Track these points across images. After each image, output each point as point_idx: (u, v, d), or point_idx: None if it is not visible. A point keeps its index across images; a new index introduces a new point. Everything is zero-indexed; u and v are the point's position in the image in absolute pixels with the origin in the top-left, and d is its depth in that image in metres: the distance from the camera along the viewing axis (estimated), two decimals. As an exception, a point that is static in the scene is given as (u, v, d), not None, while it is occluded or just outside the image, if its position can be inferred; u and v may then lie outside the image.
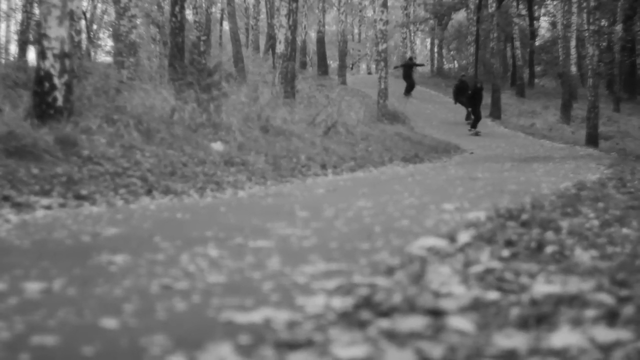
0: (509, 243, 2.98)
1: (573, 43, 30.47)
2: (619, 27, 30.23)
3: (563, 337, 1.60)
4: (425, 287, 2.16)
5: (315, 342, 1.61)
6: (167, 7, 23.02)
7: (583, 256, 2.70)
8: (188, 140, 8.65)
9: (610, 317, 1.78)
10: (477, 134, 20.81)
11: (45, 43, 7.40)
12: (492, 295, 2.04)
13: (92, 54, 33.95)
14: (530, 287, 2.13)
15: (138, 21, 12.78)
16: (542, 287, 2.10)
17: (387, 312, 1.86)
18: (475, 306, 1.93)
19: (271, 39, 32.41)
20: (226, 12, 35.36)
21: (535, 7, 38.76)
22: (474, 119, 21.44)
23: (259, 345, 1.61)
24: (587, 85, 20.99)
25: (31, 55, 28.35)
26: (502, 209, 4.21)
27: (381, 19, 20.69)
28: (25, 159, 6.06)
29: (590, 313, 1.80)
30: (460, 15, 40.92)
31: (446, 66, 46.97)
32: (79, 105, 8.01)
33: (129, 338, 1.68)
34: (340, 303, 1.98)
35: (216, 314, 1.92)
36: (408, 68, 28.68)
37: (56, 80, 7.38)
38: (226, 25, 39.01)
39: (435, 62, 43.93)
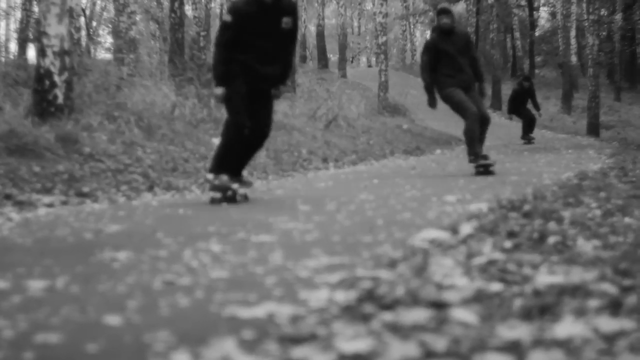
0: (511, 234, 2.98)
1: (573, 33, 30.40)
2: (618, 16, 30.15)
3: (567, 327, 1.60)
4: (428, 279, 2.16)
5: (319, 336, 1.61)
6: (166, 3, 23.00)
7: (585, 246, 2.70)
8: (189, 136, 8.65)
9: (614, 307, 1.78)
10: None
11: (45, 41, 7.39)
12: (495, 286, 2.04)
13: (92, 51, 33.92)
14: (533, 278, 2.13)
15: (137, 17, 12.78)
16: (545, 278, 2.10)
17: (390, 305, 1.86)
18: (478, 298, 1.93)
19: (271, 33, 32.33)
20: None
21: (535, -3, 38.68)
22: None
23: (262, 340, 1.61)
24: (588, 75, 20.95)
25: (31, 53, 28.32)
26: (504, 200, 4.20)
27: (381, 12, 20.66)
28: (27, 157, 6.06)
29: (593, 303, 1.80)
30: (459, 7, 40.79)
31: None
32: (80, 103, 8.01)
33: (132, 335, 1.68)
34: (344, 297, 1.98)
35: (219, 309, 1.92)
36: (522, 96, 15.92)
37: (56, 78, 7.37)
38: (225, 20, 38.88)
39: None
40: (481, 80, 7.85)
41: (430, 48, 7.82)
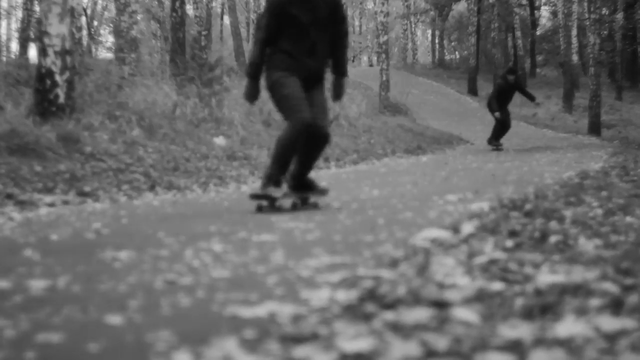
0: (512, 233, 2.98)
1: (574, 32, 30.39)
2: (619, 15, 30.13)
3: (568, 326, 1.60)
4: (430, 278, 2.16)
5: (320, 335, 1.61)
6: (167, 2, 23.00)
7: (587, 245, 2.70)
8: (190, 136, 8.65)
9: (615, 306, 1.77)
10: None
11: (46, 40, 7.39)
12: (497, 285, 2.04)
13: (93, 50, 33.95)
14: (534, 277, 2.13)
15: (139, 17, 12.78)
16: (546, 277, 2.09)
17: (391, 305, 1.86)
18: (479, 297, 1.92)
19: (272, 32, 32.32)
20: (227, 6, 35.31)
21: (536, -4, 38.65)
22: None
23: (264, 339, 1.60)
24: (589, 74, 20.93)
25: (32, 52, 28.30)
26: (505, 199, 4.20)
27: (382, 11, 20.65)
28: (28, 156, 6.07)
29: (594, 302, 1.80)
30: (460, 6, 40.82)
31: (447, 57, 46.90)
32: (81, 102, 8.01)
33: (134, 334, 1.68)
34: (345, 296, 1.98)
35: (221, 308, 1.92)
36: (507, 92, 13.50)
37: (58, 78, 7.37)
38: (227, 20, 38.99)
39: (437, 53, 43.86)
40: (342, 73, 4.94)
41: (274, 9, 4.66)
